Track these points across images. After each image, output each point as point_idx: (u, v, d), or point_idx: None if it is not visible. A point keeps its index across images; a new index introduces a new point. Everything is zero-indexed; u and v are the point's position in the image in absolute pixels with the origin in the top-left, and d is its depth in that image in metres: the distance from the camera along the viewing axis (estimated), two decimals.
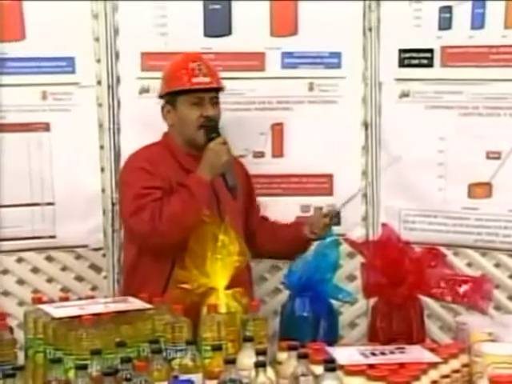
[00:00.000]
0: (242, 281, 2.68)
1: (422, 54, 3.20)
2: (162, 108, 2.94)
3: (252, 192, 3.10)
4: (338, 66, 3.29)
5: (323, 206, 3.24)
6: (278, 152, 3.30)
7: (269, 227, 3.07)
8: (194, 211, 2.70)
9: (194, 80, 2.86)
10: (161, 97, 2.96)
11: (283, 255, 3.00)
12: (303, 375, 2.02)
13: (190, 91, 2.86)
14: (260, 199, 3.16)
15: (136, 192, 2.80)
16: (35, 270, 3.29)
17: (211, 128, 2.83)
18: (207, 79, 2.87)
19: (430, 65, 3.19)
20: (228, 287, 2.54)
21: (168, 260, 2.79)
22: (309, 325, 2.63)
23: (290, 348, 2.15)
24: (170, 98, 2.91)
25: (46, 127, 3.23)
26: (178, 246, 2.68)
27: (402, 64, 3.23)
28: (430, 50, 3.18)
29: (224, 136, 2.84)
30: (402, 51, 3.23)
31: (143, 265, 2.91)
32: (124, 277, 3.08)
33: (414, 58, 3.21)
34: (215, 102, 2.89)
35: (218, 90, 2.92)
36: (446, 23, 3.14)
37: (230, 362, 2.01)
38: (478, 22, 3.09)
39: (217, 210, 2.83)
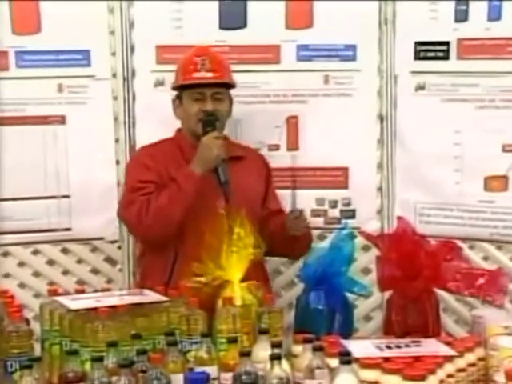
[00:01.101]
0: (257, 274, 2.69)
1: (438, 47, 3.18)
2: (173, 102, 2.96)
3: (269, 186, 3.07)
4: (353, 58, 3.28)
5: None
6: (292, 145, 3.29)
7: (270, 222, 2.99)
8: (180, 205, 2.73)
9: (195, 75, 2.87)
10: (173, 89, 2.97)
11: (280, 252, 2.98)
12: (318, 368, 2.03)
13: (192, 86, 2.87)
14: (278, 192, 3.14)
15: (131, 185, 2.88)
16: (51, 263, 3.30)
17: (207, 122, 2.83)
18: (209, 74, 2.87)
19: (446, 57, 3.17)
20: (244, 280, 2.54)
21: (170, 253, 2.82)
22: (324, 318, 2.63)
23: (305, 341, 2.16)
24: (179, 92, 2.93)
25: (61, 120, 3.24)
26: (168, 239, 2.75)
27: (417, 57, 3.22)
28: (446, 43, 3.16)
29: (220, 131, 2.86)
30: (417, 44, 3.21)
31: (147, 257, 2.96)
32: (135, 269, 3.14)
33: (429, 50, 3.19)
34: (218, 98, 2.88)
35: (224, 85, 2.91)
36: (462, 15, 3.12)
37: (246, 354, 2.02)
38: (494, 14, 3.07)
39: (224, 206, 2.79)
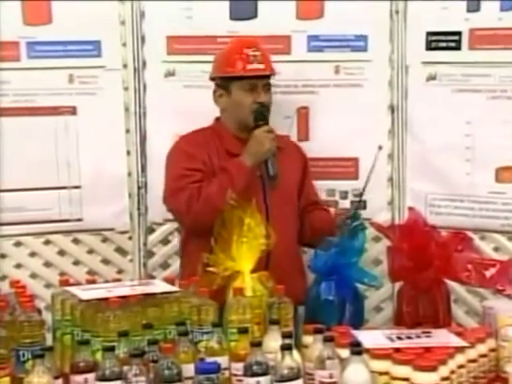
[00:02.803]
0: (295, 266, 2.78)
1: (449, 37, 3.16)
2: (214, 92, 2.96)
3: (305, 177, 3.07)
4: (364, 49, 3.27)
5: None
6: (303, 136, 3.29)
7: (312, 215, 3.03)
8: (228, 194, 2.72)
9: (249, 67, 2.89)
10: (212, 79, 2.98)
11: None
12: (329, 358, 2.03)
13: (244, 77, 2.89)
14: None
15: (177, 173, 2.88)
16: (62, 253, 3.31)
17: (260, 115, 2.87)
18: (261, 66, 2.90)
19: (457, 47, 3.16)
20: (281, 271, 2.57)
21: (207, 242, 2.81)
22: (334, 309, 2.64)
23: (316, 331, 2.16)
24: (223, 82, 2.93)
25: (72, 111, 3.24)
26: (211, 228, 2.70)
27: (429, 47, 3.20)
28: (458, 33, 3.15)
29: (268, 123, 2.88)
30: (429, 34, 3.19)
31: (189, 246, 2.97)
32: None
33: (441, 40, 3.18)
34: (268, 89, 2.92)
35: (271, 75, 2.95)
36: (474, 5, 3.11)
37: (256, 344, 2.02)
38: (506, 4, 3.05)
39: (263, 198, 2.85)
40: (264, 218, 2.70)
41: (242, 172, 2.80)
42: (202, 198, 2.77)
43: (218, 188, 2.77)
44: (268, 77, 2.94)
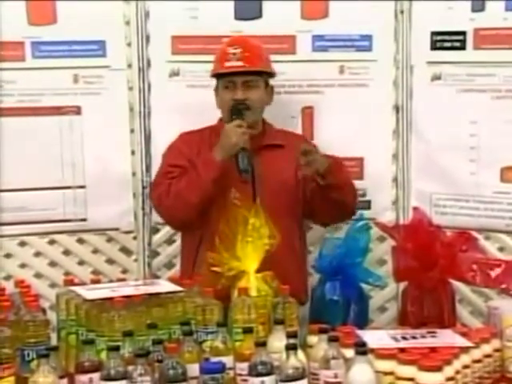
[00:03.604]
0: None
1: (454, 37, 3.16)
2: (214, 91, 2.98)
3: None
4: (369, 48, 3.26)
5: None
6: (308, 135, 3.28)
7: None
8: (197, 189, 2.76)
9: (226, 64, 2.91)
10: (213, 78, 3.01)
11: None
12: (334, 358, 2.03)
13: (225, 75, 2.90)
14: None
15: (161, 170, 2.97)
16: (67, 253, 3.32)
17: (236, 111, 2.86)
18: (239, 63, 2.89)
19: (462, 47, 3.15)
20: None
21: (196, 239, 2.87)
22: (339, 308, 2.64)
23: (321, 331, 2.15)
24: (216, 81, 2.97)
25: (77, 111, 3.25)
26: (188, 223, 2.84)
27: (433, 47, 3.20)
28: (463, 33, 3.14)
29: (253, 118, 2.86)
30: (433, 34, 3.19)
31: (182, 244, 3.06)
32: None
33: (446, 40, 3.17)
34: (251, 86, 2.90)
35: (258, 73, 2.93)
36: (479, 5, 3.10)
37: (261, 344, 2.02)
38: (511, 4, 3.04)
39: (251, 191, 2.83)
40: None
41: (209, 166, 2.79)
42: (171, 193, 2.82)
43: (186, 183, 2.80)
44: (254, 74, 2.91)
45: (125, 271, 3.33)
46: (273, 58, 3.21)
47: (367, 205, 3.27)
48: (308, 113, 3.29)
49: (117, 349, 2.03)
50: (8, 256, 3.26)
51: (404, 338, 2.28)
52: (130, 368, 1.98)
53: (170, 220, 2.96)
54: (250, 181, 2.84)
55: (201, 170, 2.79)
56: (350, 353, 2.06)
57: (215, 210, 2.78)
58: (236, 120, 2.83)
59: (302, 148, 2.77)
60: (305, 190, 2.93)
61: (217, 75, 2.95)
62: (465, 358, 2.17)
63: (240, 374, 2.09)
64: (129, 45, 3.26)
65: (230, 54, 2.90)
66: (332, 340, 2.06)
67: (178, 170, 2.86)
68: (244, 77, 2.90)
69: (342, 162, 2.95)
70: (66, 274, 3.20)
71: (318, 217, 3.00)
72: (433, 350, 2.17)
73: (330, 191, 2.81)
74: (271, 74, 2.99)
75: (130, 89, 3.28)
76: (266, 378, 1.96)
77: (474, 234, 2.85)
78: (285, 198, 2.90)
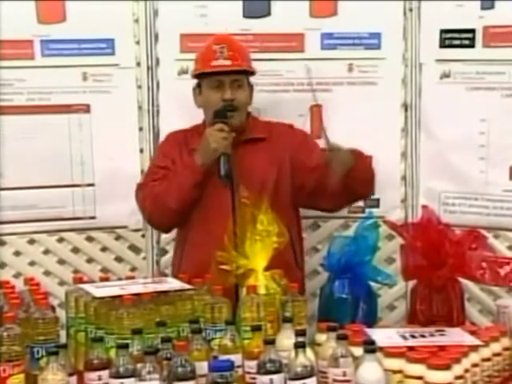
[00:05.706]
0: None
1: (463, 35, 3.15)
2: (193, 90, 2.95)
3: (300, 154, 2.91)
4: (377, 46, 3.26)
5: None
6: (316, 134, 3.28)
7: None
8: (175, 192, 2.75)
9: (213, 63, 2.85)
10: (194, 78, 2.96)
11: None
12: (342, 356, 2.03)
13: (211, 74, 2.85)
14: None
15: (148, 170, 3.00)
16: (76, 251, 3.33)
17: (220, 113, 2.80)
18: (227, 62, 2.84)
19: (471, 45, 3.14)
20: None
21: (181, 240, 2.92)
22: (348, 307, 2.63)
23: (330, 329, 2.15)
24: (198, 80, 2.92)
25: (86, 109, 3.26)
26: (170, 226, 2.90)
27: (442, 44, 3.19)
28: (472, 31, 3.13)
29: (238, 119, 2.82)
30: (443, 31, 3.18)
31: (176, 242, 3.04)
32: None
33: (455, 38, 3.17)
34: (238, 85, 2.85)
35: (243, 72, 2.88)
36: (488, 3, 3.09)
37: (270, 342, 2.02)
38: None
39: (230, 195, 2.74)
40: (231, 215, 2.68)
41: (189, 170, 2.76)
42: (151, 197, 2.82)
43: (166, 186, 2.79)
44: (239, 73, 2.86)
45: (133, 269, 3.34)
46: (281, 55, 3.23)
47: (376, 203, 3.27)
48: (316, 111, 3.29)
49: (126, 346, 2.04)
50: (17, 254, 3.27)
51: (413, 337, 2.28)
52: (139, 366, 1.98)
53: (150, 223, 3.02)
54: (227, 182, 2.76)
55: (180, 174, 2.77)
56: (358, 351, 2.06)
57: (197, 212, 2.80)
58: (218, 123, 2.76)
59: (329, 146, 2.73)
60: (303, 181, 2.86)
61: (201, 74, 2.88)
62: (474, 357, 2.16)
63: (248, 372, 2.10)
64: (138, 43, 3.27)
65: (217, 53, 2.85)
66: (341, 338, 2.06)
67: (162, 172, 2.85)
68: (232, 76, 2.84)
69: (363, 153, 2.87)
70: (75, 271, 3.22)
71: (323, 204, 2.92)
72: (442, 348, 2.17)
73: (354, 183, 2.77)
74: (252, 74, 2.94)
75: (139, 87, 3.28)
76: (274, 376, 1.96)
77: (483, 232, 2.84)
78: (269, 197, 2.72)
